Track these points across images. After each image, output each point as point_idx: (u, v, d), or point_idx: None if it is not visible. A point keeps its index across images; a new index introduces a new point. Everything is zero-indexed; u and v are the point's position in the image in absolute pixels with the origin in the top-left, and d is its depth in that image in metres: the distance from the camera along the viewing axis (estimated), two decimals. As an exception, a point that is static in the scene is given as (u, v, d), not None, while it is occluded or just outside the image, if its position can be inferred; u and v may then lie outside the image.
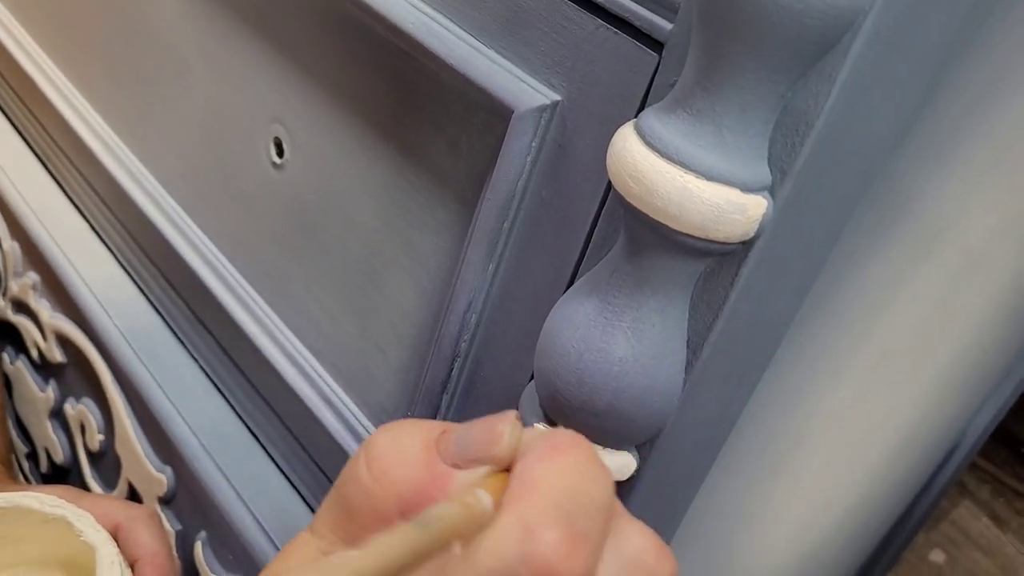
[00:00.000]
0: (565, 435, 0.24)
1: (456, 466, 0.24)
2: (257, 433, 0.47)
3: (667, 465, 0.30)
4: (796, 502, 0.51)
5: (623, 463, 0.29)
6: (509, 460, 0.24)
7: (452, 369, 0.34)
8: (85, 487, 0.55)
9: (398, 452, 0.25)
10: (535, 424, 0.29)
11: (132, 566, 0.45)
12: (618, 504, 0.24)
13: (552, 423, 0.29)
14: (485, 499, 0.22)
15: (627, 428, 0.28)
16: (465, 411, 0.35)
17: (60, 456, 0.58)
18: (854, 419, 0.48)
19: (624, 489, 0.30)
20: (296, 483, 0.45)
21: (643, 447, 0.29)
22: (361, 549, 0.20)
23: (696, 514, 0.39)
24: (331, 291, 0.40)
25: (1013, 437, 1.51)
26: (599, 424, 0.28)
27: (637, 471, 0.29)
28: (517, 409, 0.31)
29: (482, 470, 0.24)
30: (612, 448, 0.29)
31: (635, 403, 0.27)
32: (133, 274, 0.55)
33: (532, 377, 0.30)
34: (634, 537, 0.24)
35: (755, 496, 0.44)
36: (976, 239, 0.42)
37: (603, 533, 0.23)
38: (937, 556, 1.34)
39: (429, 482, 0.24)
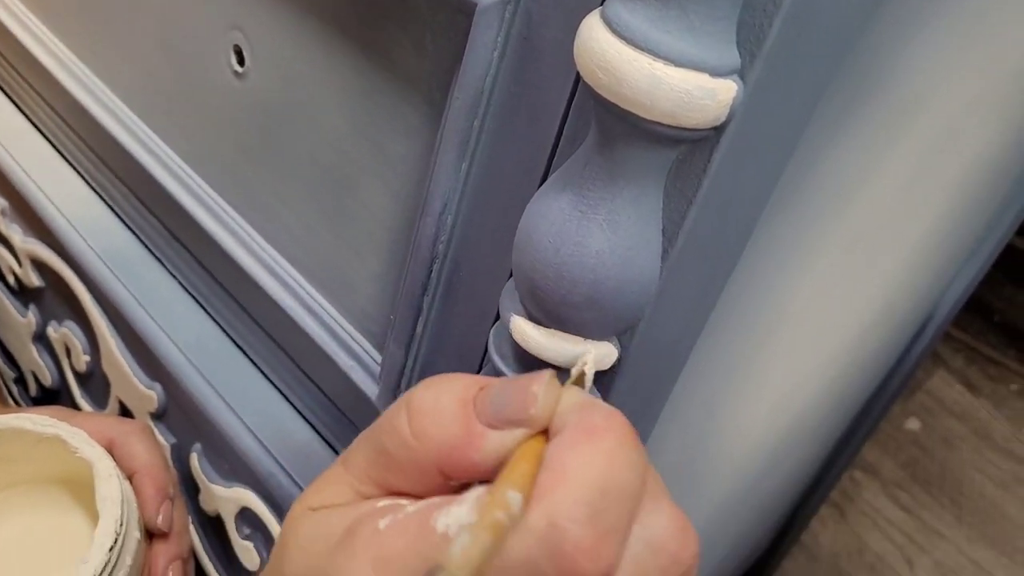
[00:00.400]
0: (600, 414, 0.24)
1: (492, 426, 0.24)
2: (241, 344, 0.48)
3: (648, 352, 0.31)
4: (774, 381, 0.52)
5: (605, 353, 0.30)
6: (546, 422, 0.24)
7: (431, 271, 0.35)
8: (76, 408, 0.56)
9: (437, 411, 0.25)
10: (571, 380, 0.28)
11: (129, 479, 0.45)
12: (650, 480, 0.24)
13: (535, 320, 0.29)
14: (514, 504, 0.21)
15: (607, 319, 0.28)
16: (447, 312, 0.35)
17: (48, 379, 0.58)
18: (830, 297, 0.49)
19: (607, 378, 0.31)
20: (284, 391, 0.46)
21: (624, 336, 0.30)
22: None
23: (678, 398, 0.40)
24: (304, 199, 0.40)
25: (986, 306, 1.54)
26: (579, 316, 0.28)
27: (619, 360, 0.30)
28: (498, 307, 0.31)
29: (518, 432, 0.24)
30: (593, 339, 0.29)
31: (614, 294, 0.28)
32: (103, 194, 0.54)
33: (511, 274, 0.30)
34: (661, 519, 0.24)
35: (735, 377, 0.46)
36: (950, 113, 0.42)
37: (631, 520, 0.23)
38: (913, 424, 1.38)
39: (466, 442, 0.24)
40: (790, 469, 0.81)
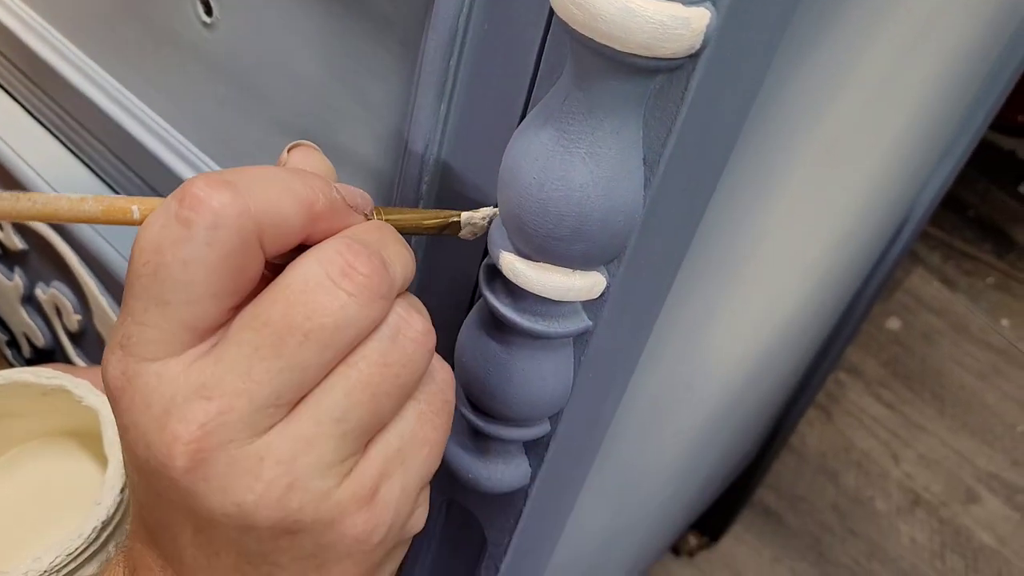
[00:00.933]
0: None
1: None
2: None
3: (634, 280, 0.32)
4: (757, 295, 0.53)
5: (593, 282, 0.30)
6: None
7: (418, 205, 0.35)
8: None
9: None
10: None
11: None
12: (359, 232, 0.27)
13: (524, 255, 0.30)
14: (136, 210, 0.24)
15: (594, 250, 0.29)
16: (437, 254, 0.36)
17: (41, 340, 0.58)
18: (807, 208, 0.50)
19: (596, 305, 0.31)
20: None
21: (611, 265, 0.31)
22: None
23: (666, 318, 0.41)
24: (285, 147, 0.40)
25: (960, 202, 1.56)
26: (567, 249, 0.29)
27: (607, 288, 0.31)
28: (487, 243, 0.32)
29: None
30: (582, 270, 0.30)
31: (599, 225, 0.28)
32: (79, 153, 0.54)
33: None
34: (338, 245, 0.24)
35: (719, 296, 0.47)
36: (920, 14, 0.42)
37: (259, 188, 0.24)
38: (893, 323, 1.41)
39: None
40: (776, 376, 0.83)
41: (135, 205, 0.24)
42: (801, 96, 0.37)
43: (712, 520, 1.11)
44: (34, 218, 0.24)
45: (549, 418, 0.35)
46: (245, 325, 0.23)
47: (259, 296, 0.23)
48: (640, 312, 0.34)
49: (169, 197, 0.23)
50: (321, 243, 0.24)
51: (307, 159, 0.29)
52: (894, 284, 1.44)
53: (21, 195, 0.23)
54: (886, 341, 1.38)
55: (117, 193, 0.53)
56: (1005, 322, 1.43)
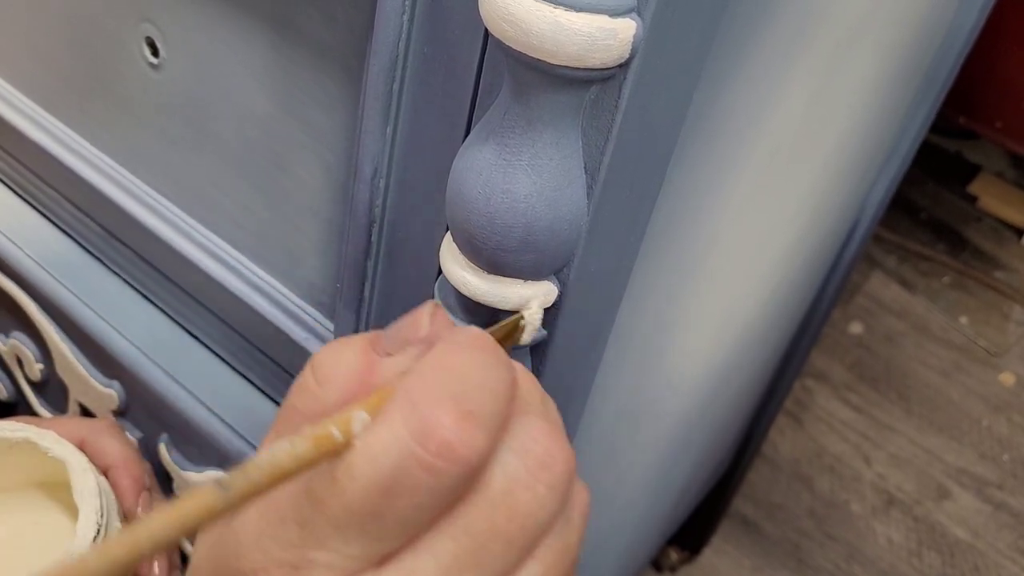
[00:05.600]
0: (465, 331, 0.24)
1: (389, 354, 0.25)
2: (193, 331, 0.48)
3: (587, 287, 0.33)
4: (716, 298, 0.54)
5: (545, 291, 0.31)
6: (433, 337, 0.25)
7: (371, 235, 0.36)
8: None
9: (339, 357, 0.25)
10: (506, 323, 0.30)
11: (104, 475, 0.46)
12: (538, 402, 0.25)
13: (476, 269, 0.30)
14: (357, 422, 0.22)
15: (543, 259, 0.30)
16: (391, 273, 0.36)
17: (3, 392, 0.58)
18: (759, 210, 0.51)
19: (550, 315, 0.32)
20: (241, 370, 0.47)
21: (562, 273, 0.32)
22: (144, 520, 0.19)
23: (624, 326, 0.42)
24: (238, 182, 0.41)
25: (912, 204, 1.59)
26: (516, 260, 0.30)
27: (559, 297, 0.32)
28: (439, 261, 0.32)
29: (413, 351, 0.25)
30: (532, 280, 0.31)
31: (546, 234, 0.29)
32: (33, 202, 0.54)
33: (448, 228, 0.32)
34: (531, 428, 0.23)
35: (677, 299, 0.47)
36: (854, 16, 0.44)
37: (499, 419, 0.22)
38: (856, 327, 1.43)
39: (367, 374, 0.25)
40: (743, 382, 0.84)
41: (334, 428, 0.22)
42: (739, 102, 0.38)
43: (691, 533, 1.11)
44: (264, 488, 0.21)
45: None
46: (442, 533, 0.22)
47: (467, 504, 0.22)
48: (595, 320, 0.35)
49: (398, 423, 0.21)
50: (511, 425, 0.23)
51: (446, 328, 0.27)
52: (853, 288, 1.46)
53: (246, 466, 0.21)
54: (850, 345, 1.40)
55: (77, 242, 0.53)
56: (964, 319, 1.46)
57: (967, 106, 1.32)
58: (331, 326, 0.40)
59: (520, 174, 0.28)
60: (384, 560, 0.22)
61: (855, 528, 1.19)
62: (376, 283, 0.37)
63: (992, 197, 1.60)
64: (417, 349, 0.25)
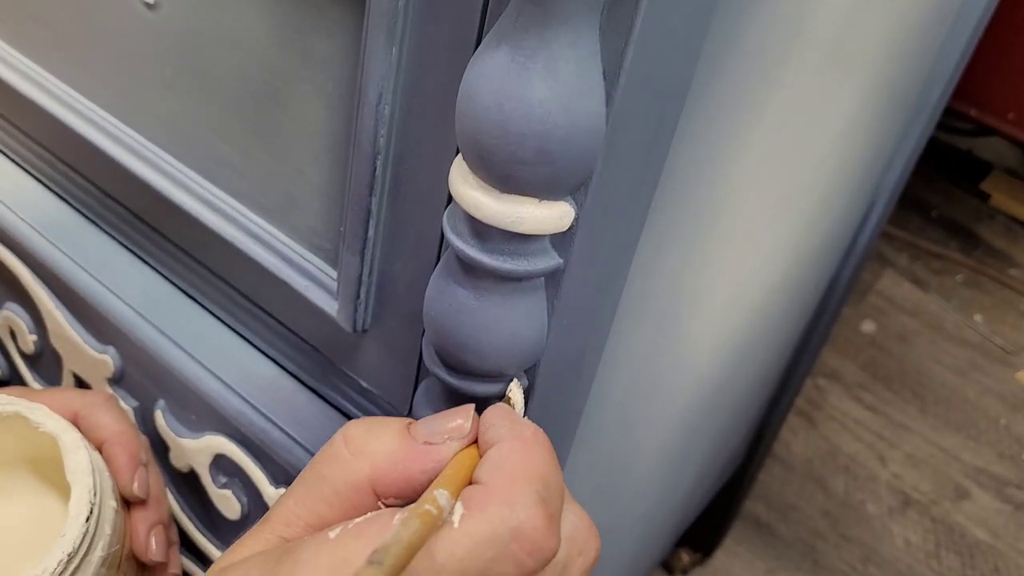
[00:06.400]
0: (529, 427, 0.28)
1: (428, 443, 0.28)
2: (190, 291, 0.47)
3: (604, 211, 0.31)
4: (728, 275, 0.53)
5: (561, 213, 0.29)
6: (475, 436, 0.28)
7: (375, 169, 0.34)
8: (29, 390, 0.54)
9: (373, 432, 0.28)
10: (508, 395, 0.33)
11: (99, 450, 0.44)
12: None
13: (487, 189, 0.28)
14: (444, 498, 0.25)
15: (558, 173, 0.28)
16: (397, 209, 0.35)
17: (-4, 368, 0.56)
18: (770, 188, 0.49)
19: (565, 240, 0.30)
20: (240, 329, 0.45)
21: (578, 195, 0.30)
22: None
23: (631, 308, 0.40)
24: (236, 125, 0.39)
25: (923, 203, 1.57)
26: (530, 173, 0.28)
27: (575, 220, 0.30)
28: (448, 185, 0.30)
29: (454, 445, 0.28)
30: (548, 199, 0.29)
31: (562, 144, 0.27)
32: (22, 162, 0.53)
33: (457, 151, 0.30)
34: (571, 516, 0.28)
35: (689, 272, 0.46)
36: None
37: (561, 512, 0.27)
38: (868, 326, 1.41)
39: (403, 456, 0.28)
40: (752, 377, 0.82)
41: (430, 507, 0.24)
42: (758, 45, 0.37)
43: (703, 535, 1.09)
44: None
45: (526, 372, 0.34)
46: None
47: None
48: (612, 251, 0.33)
49: (498, 520, 0.25)
50: (568, 524, 0.28)
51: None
52: (865, 287, 1.44)
53: (387, 544, 0.23)
54: (862, 344, 1.38)
55: (70, 203, 0.51)
56: (978, 317, 1.44)
57: (978, 98, 1.30)
58: (334, 274, 0.38)
59: (535, 78, 0.26)
60: None
61: (871, 529, 1.16)
62: (381, 221, 0.35)
63: (1004, 194, 1.58)
64: (458, 443, 0.28)
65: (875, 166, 0.74)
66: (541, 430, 0.28)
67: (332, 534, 0.25)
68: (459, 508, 0.25)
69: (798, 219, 0.60)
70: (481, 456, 0.28)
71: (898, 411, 1.30)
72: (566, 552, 0.27)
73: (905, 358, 1.36)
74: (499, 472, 0.26)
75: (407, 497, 0.28)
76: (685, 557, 1.10)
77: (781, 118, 0.44)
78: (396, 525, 0.25)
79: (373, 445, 0.28)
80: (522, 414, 0.32)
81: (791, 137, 0.47)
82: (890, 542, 1.15)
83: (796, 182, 0.54)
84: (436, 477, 0.28)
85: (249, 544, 0.28)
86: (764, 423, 1.00)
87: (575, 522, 0.28)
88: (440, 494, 0.25)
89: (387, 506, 0.28)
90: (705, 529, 1.07)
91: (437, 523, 0.24)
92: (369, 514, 0.26)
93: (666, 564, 1.09)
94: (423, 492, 0.27)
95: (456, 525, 0.25)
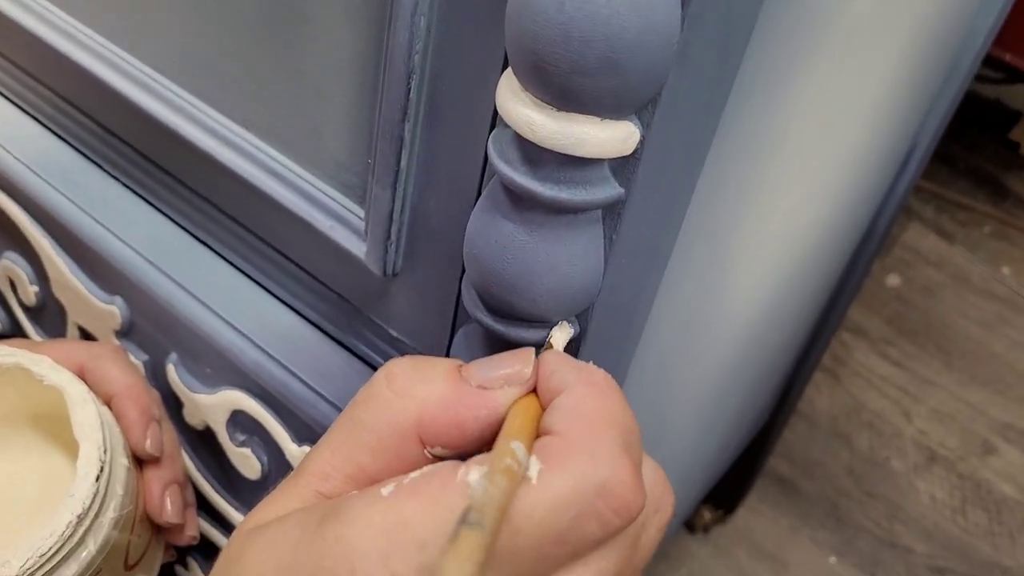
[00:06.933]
0: (598, 371, 0.25)
1: (483, 387, 0.25)
2: (201, 236, 0.43)
3: (671, 134, 0.27)
4: (765, 239, 0.50)
5: (626, 133, 0.26)
6: (535, 381, 0.25)
7: (409, 91, 0.30)
8: (32, 345, 0.51)
9: (420, 371, 0.25)
10: (550, 340, 0.29)
11: (108, 405, 0.41)
12: None
13: (542, 106, 0.25)
14: (521, 452, 0.22)
15: (626, 85, 0.24)
16: (433, 136, 0.31)
17: (-4, 321, 0.53)
18: (813, 144, 0.46)
19: (626, 166, 0.27)
20: (255, 276, 0.42)
21: (644, 113, 0.26)
22: None
23: (689, 237, 0.36)
24: (251, 46, 0.35)
25: (950, 154, 1.53)
26: (594, 86, 0.24)
27: (641, 142, 0.26)
28: (495, 106, 0.27)
29: (511, 391, 0.25)
30: (611, 118, 0.25)
31: (632, 50, 0.24)
32: (18, 100, 0.49)
33: (506, 64, 0.26)
34: (647, 470, 0.25)
35: (743, 204, 0.42)
36: None
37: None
38: (893, 280, 1.38)
39: (456, 400, 0.25)
40: (783, 331, 0.80)
41: (510, 460, 0.22)
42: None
43: (725, 492, 1.07)
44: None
45: (577, 317, 0.30)
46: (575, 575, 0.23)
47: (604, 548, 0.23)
48: (675, 180, 0.30)
49: (580, 475, 0.22)
50: (645, 479, 0.24)
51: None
52: (891, 240, 1.40)
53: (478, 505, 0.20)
54: (887, 298, 1.34)
55: (70, 143, 0.48)
56: (1006, 270, 1.40)
57: (1013, 42, 1.25)
58: (361, 212, 0.35)
59: (601, -28, 0.23)
60: None
61: (896, 486, 1.14)
62: (415, 150, 0.32)
63: (1034, 143, 1.53)
64: (516, 390, 0.25)
65: (913, 117, 0.71)
66: (610, 375, 0.25)
67: (385, 491, 0.22)
68: (535, 463, 0.22)
69: (840, 167, 0.56)
70: (544, 406, 0.25)
71: (923, 366, 1.26)
72: (644, 510, 0.24)
73: (931, 312, 1.33)
74: (577, 421, 0.23)
75: (456, 447, 0.25)
76: (707, 515, 1.08)
77: (838, 56, 0.40)
78: (470, 482, 0.22)
79: (420, 386, 0.25)
80: None
81: (843, 80, 0.44)
82: (915, 499, 1.13)
83: (842, 128, 0.51)
84: (489, 426, 0.25)
85: (281, 501, 0.25)
86: (790, 380, 0.98)
87: (651, 477, 0.25)
88: (517, 447, 0.22)
89: (434, 456, 0.25)
90: (727, 487, 1.04)
91: (517, 480, 0.21)
92: (425, 468, 0.23)
93: (687, 522, 1.07)
94: (474, 442, 0.25)
95: (534, 482, 0.22)
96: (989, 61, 1.28)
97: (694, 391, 0.59)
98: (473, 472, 0.22)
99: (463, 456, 0.24)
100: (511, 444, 0.22)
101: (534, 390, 0.25)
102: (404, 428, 0.25)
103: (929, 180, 1.48)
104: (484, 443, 0.25)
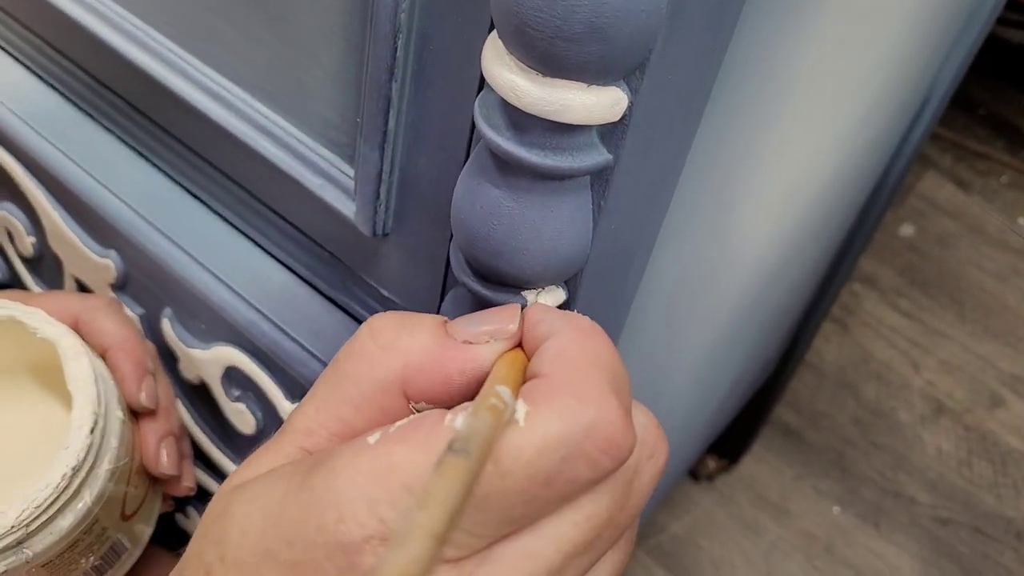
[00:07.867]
0: (584, 319, 0.25)
1: (468, 342, 0.24)
2: (195, 191, 0.43)
3: (661, 98, 0.27)
4: (771, 186, 0.48)
5: (613, 100, 0.25)
6: (520, 337, 0.25)
7: (396, 50, 0.29)
8: (31, 296, 0.51)
9: (406, 326, 0.25)
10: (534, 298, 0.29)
11: (102, 358, 0.41)
12: None
13: (527, 71, 0.24)
14: (507, 395, 0.22)
15: (612, 51, 0.24)
16: (421, 96, 0.30)
17: (-4, 271, 0.53)
18: (821, 89, 0.45)
19: (615, 132, 0.26)
20: (249, 233, 0.41)
21: (633, 79, 0.25)
22: (418, 505, 0.18)
23: (687, 197, 0.36)
24: (240, 3, 0.35)
25: (969, 100, 1.50)
26: (580, 52, 0.23)
27: (629, 108, 0.26)
28: (481, 67, 0.26)
29: (497, 345, 0.24)
30: (598, 84, 0.25)
31: (618, 16, 0.23)
32: (11, 50, 0.48)
33: (492, 27, 0.25)
34: (639, 416, 0.24)
35: (732, 184, 0.41)
36: None
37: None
38: (907, 230, 1.36)
39: (441, 354, 0.24)
40: (792, 281, 0.79)
41: (496, 400, 0.21)
42: None
43: (730, 441, 1.07)
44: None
45: (566, 283, 0.30)
46: (565, 520, 0.22)
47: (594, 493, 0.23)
48: (667, 145, 0.29)
49: (568, 415, 0.21)
50: (637, 425, 0.24)
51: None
52: (906, 189, 1.38)
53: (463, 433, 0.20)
54: (900, 248, 1.33)
55: (63, 95, 0.47)
56: (1022, 221, 1.38)
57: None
58: (350, 171, 0.35)
59: (587, -67, 0.22)
60: (504, 538, 0.22)
61: (902, 437, 1.14)
62: (403, 111, 0.31)
63: (1057, 92, 1.50)
64: (502, 344, 0.25)
65: (932, 62, 0.69)
66: (596, 323, 0.25)
67: (371, 439, 0.22)
68: (521, 406, 0.22)
69: (853, 115, 0.55)
70: (530, 357, 0.24)
71: (935, 317, 1.26)
72: (636, 455, 0.24)
73: (944, 263, 1.31)
74: (562, 362, 0.23)
75: (440, 402, 0.25)
76: (711, 464, 1.09)
77: (843, 7, 0.39)
78: (453, 425, 0.22)
79: (405, 340, 0.25)
80: None
81: (854, 27, 0.42)
82: (921, 450, 1.13)
83: (855, 75, 0.49)
84: (474, 380, 0.24)
85: (266, 459, 0.25)
86: (799, 330, 0.97)
87: (644, 423, 0.24)
88: (503, 390, 0.21)
89: (418, 411, 0.25)
90: (732, 436, 1.05)
91: (503, 420, 0.21)
92: (412, 416, 0.23)
93: (692, 471, 1.08)
94: (459, 397, 0.24)
95: (522, 424, 0.21)
96: (1013, 4, 1.25)
97: (700, 342, 0.59)
98: (460, 418, 0.22)
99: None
100: (496, 387, 0.22)
101: (520, 345, 0.25)
102: (389, 383, 0.24)
103: (948, 128, 1.46)
104: (469, 398, 0.24)
